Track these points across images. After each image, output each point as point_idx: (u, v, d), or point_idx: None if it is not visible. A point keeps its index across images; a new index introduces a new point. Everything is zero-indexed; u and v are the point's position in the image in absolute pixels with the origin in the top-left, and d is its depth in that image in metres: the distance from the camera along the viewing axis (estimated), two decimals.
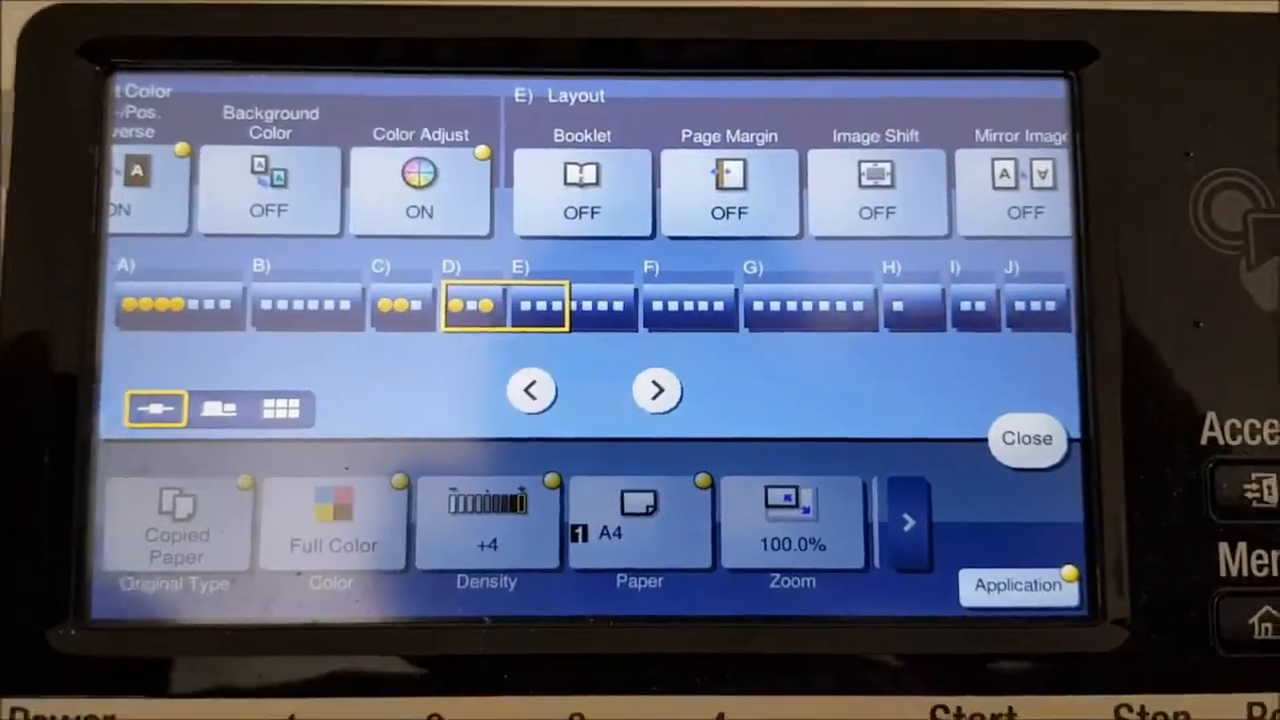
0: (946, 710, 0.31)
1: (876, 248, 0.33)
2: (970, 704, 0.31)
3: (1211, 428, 0.32)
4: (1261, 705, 0.31)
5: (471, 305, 0.33)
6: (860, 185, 0.33)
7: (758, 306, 0.33)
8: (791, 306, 0.33)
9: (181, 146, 0.33)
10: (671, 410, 0.33)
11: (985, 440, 0.32)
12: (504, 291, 0.33)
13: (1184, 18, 0.33)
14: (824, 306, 0.33)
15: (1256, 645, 0.31)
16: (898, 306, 0.33)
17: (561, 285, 0.33)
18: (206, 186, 0.33)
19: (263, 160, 0.33)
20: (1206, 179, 0.33)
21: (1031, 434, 0.32)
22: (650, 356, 0.33)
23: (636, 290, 0.33)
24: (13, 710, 0.31)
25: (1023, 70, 0.34)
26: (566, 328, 0.33)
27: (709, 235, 0.33)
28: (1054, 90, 0.34)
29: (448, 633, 0.31)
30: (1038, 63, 0.33)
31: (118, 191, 0.33)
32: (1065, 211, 0.33)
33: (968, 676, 0.31)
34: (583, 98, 0.34)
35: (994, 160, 0.34)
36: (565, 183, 0.33)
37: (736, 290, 0.33)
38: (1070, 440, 0.32)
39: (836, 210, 0.33)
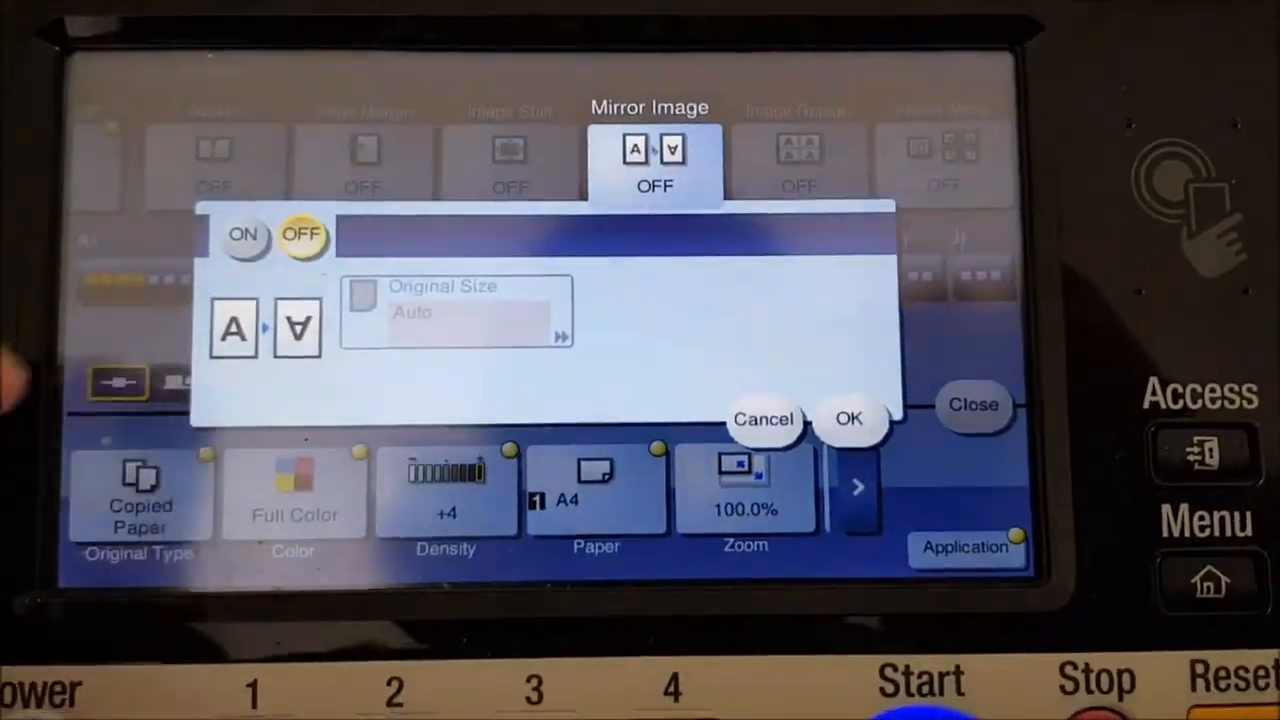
0: (895, 669, 0.32)
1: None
2: (919, 662, 0.32)
3: (1154, 392, 0.33)
4: (1204, 662, 0.32)
5: None
6: (807, 160, 0.34)
7: None
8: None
9: (139, 124, 0.33)
10: None
11: (933, 406, 0.33)
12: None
13: None
14: None
15: (1198, 604, 0.32)
16: None
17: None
18: (156, 163, 0.33)
19: (209, 142, 0.33)
20: (1148, 149, 0.33)
21: (978, 400, 0.33)
22: None
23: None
24: None
25: (968, 44, 0.34)
26: None
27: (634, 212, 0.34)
28: (999, 63, 0.34)
29: (408, 599, 0.32)
30: (983, 37, 0.34)
31: (78, 170, 0.33)
32: (1010, 183, 0.34)
33: (916, 636, 0.32)
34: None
35: (944, 134, 0.34)
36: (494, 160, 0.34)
37: None
38: (1016, 406, 0.33)
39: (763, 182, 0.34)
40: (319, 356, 0.33)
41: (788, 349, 0.33)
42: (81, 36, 0.33)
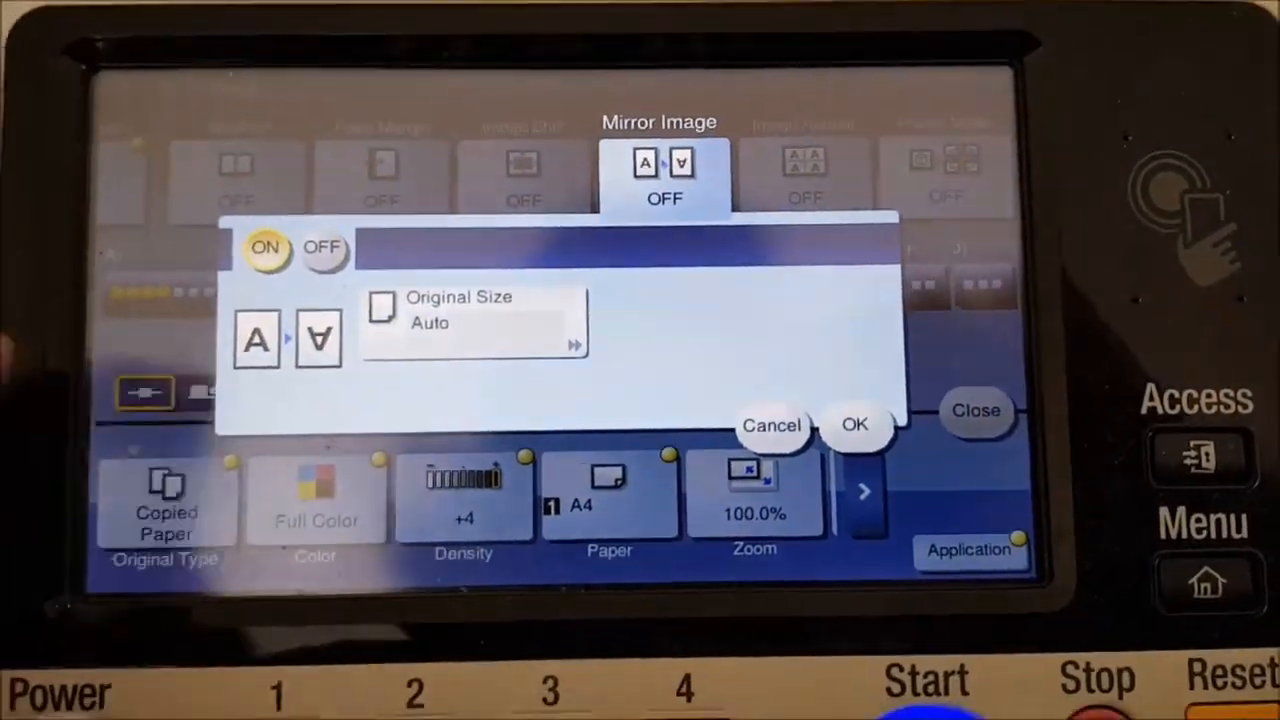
0: (901, 669, 0.33)
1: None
2: (924, 663, 0.33)
3: (1151, 398, 0.33)
4: (1202, 661, 0.33)
5: None
6: (812, 172, 0.35)
7: None
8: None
9: (162, 141, 0.34)
10: None
11: (936, 412, 0.34)
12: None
13: (1120, 6, 0.34)
14: None
15: (1196, 604, 0.33)
16: None
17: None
18: (180, 179, 0.34)
19: (231, 158, 0.34)
20: (1144, 161, 0.34)
21: (980, 406, 0.34)
22: None
23: None
24: (12, 681, 0.32)
25: (968, 59, 0.35)
26: None
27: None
28: (999, 78, 0.35)
29: (426, 602, 0.33)
30: (983, 52, 0.35)
31: (104, 185, 0.34)
32: (1010, 194, 0.35)
33: (921, 637, 0.33)
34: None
35: (945, 147, 0.35)
36: (508, 174, 0.35)
37: None
38: (1017, 411, 0.34)
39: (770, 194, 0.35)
40: (340, 366, 0.34)
41: (794, 357, 0.34)
42: (107, 55, 0.34)
